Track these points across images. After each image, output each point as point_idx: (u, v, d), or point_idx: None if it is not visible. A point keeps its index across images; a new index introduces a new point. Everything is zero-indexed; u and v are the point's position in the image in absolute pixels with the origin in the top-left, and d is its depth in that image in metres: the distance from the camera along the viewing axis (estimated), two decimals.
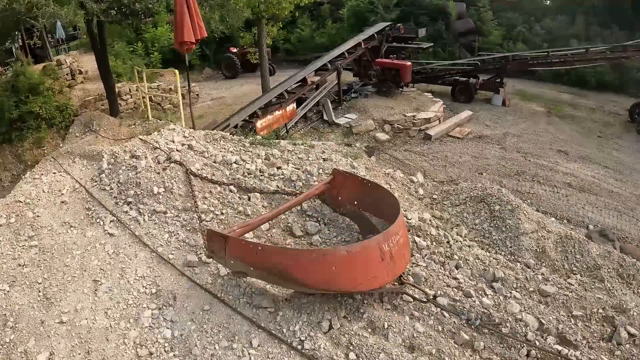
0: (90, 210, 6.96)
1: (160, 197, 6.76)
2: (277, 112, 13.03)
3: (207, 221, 6.29)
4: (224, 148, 8.51)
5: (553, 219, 8.70)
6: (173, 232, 6.24)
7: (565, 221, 9.83)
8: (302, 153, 8.36)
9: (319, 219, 6.46)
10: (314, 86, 16.14)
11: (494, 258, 6.01)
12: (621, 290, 5.74)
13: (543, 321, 4.81)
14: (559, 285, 5.56)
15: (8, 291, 5.56)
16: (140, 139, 8.51)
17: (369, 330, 4.81)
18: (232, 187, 6.96)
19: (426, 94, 18.25)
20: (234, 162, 7.62)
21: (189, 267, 5.64)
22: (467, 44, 24.34)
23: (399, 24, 20.38)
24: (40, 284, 5.67)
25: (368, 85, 18.40)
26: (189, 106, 10.92)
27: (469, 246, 6.30)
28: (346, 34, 24.06)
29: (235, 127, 11.99)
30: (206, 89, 22.05)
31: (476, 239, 6.74)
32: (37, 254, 6.15)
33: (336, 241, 6.10)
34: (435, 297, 5.15)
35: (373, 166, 8.88)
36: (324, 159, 8.09)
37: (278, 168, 7.51)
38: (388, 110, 16.37)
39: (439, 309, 4.97)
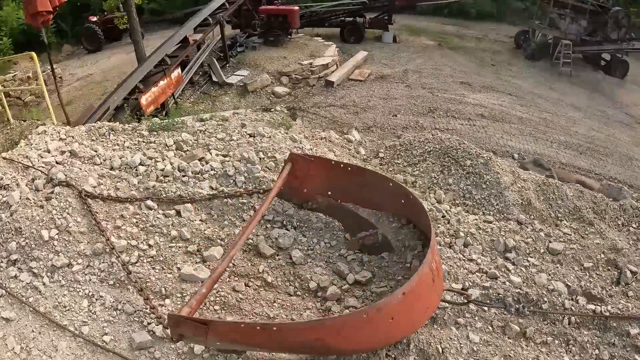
0: None
1: (56, 243, 4.83)
2: (161, 82, 11.06)
3: (134, 264, 4.59)
4: (118, 144, 6.59)
5: (517, 164, 8.28)
6: (93, 294, 4.45)
7: (491, 153, 9.68)
8: (219, 132, 6.74)
9: (285, 223, 5.07)
10: (196, 45, 14.18)
11: (488, 222, 5.54)
12: (607, 228, 5.77)
13: (569, 283, 4.67)
14: (561, 239, 5.40)
15: None
16: (3, 158, 6.26)
17: None
18: (149, 202, 5.23)
19: (316, 38, 17.55)
20: (140, 164, 5.82)
21: (141, 352, 3.97)
22: None
23: None
24: None
25: (253, 36, 17.10)
26: (57, 94, 8.64)
27: (456, 213, 5.61)
28: None
29: (117, 109, 9.90)
30: (69, 68, 18.92)
31: (457, 201, 6.01)
32: None
33: (322, 249, 4.78)
34: (465, 289, 4.43)
35: (306, 132, 7.50)
36: (251, 135, 6.55)
37: (201, 160, 5.85)
38: (282, 61, 15.42)
39: (478, 306, 4.32)
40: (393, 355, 3.79)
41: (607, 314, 4.45)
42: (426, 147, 6.80)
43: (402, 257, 4.60)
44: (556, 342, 4.27)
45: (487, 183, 6.08)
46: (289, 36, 16.86)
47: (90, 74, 16.71)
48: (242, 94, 13.84)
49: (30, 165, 5.86)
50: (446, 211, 5.51)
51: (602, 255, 5.21)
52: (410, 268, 4.40)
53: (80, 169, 5.68)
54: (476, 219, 5.53)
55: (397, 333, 3.68)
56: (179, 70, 12.22)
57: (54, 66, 13.58)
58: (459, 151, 6.53)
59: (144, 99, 10.21)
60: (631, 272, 5.00)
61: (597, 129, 12.36)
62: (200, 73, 14.80)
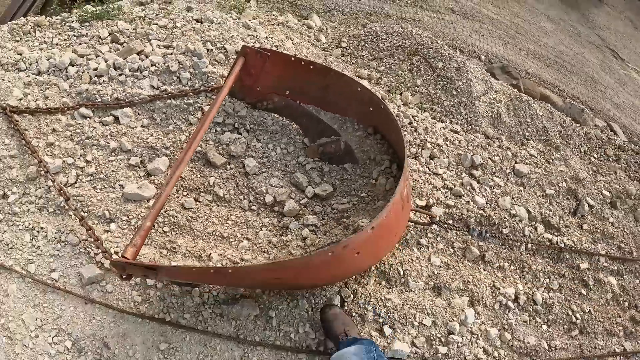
0: None
1: None
2: None
3: (72, 186, 4.34)
4: (46, 42, 5.94)
5: (484, 67, 7.80)
6: (33, 226, 4.21)
7: (458, 52, 9.25)
8: (161, 17, 6.14)
9: (236, 125, 4.74)
10: None
11: (455, 132, 5.37)
12: (571, 155, 5.66)
13: (530, 209, 4.74)
14: (527, 161, 5.31)
15: None
16: None
17: (385, 284, 3.87)
18: (83, 110, 4.81)
19: None
20: (70, 64, 5.27)
21: (92, 286, 3.85)
22: None
23: None
24: None
25: None
26: None
27: (423, 120, 5.33)
28: None
29: None
30: None
31: (424, 105, 5.67)
32: None
33: (278, 156, 4.58)
34: (429, 207, 4.32)
35: (261, 16, 6.80)
36: (198, 21, 5.96)
37: (140, 53, 5.33)
38: None
39: (441, 227, 4.24)
40: (358, 280, 3.78)
41: (562, 245, 4.62)
42: (394, 41, 6.35)
43: (367, 171, 4.41)
44: (512, 267, 4.37)
45: (458, 90, 5.75)
46: None
47: None
48: None
49: None
50: (413, 117, 5.26)
51: (564, 184, 5.16)
52: (375, 185, 4.21)
53: (3, 79, 5.15)
54: (443, 128, 5.32)
55: (363, 265, 3.64)
56: None
57: None
58: (430, 51, 6.14)
59: None
60: (589, 205, 5.04)
61: (567, 45, 11.74)
62: None
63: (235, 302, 3.70)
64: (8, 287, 3.99)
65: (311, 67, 4.49)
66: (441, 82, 5.84)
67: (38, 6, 8.46)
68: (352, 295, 3.75)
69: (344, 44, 6.62)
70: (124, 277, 3.40)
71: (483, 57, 9.13)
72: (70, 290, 3.85)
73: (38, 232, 4.18)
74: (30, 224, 4.23)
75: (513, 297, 4.13)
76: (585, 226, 4.90)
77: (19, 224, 4.26)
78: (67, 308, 3.81)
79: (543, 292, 4.33)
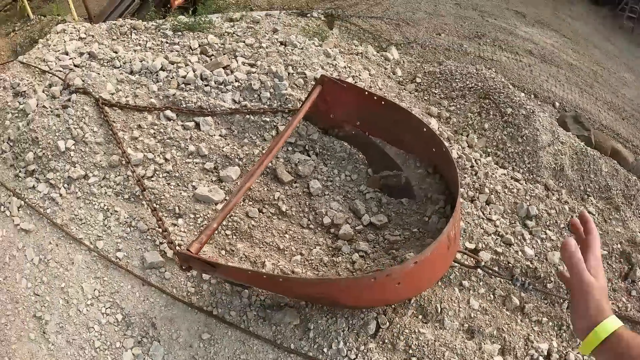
0: None
1: (72, 154, 5.01)
2: None
3: (149, 179, 4.76)
4: (140, 44, 6.55)
5: (557, 114, 7.84)
6: (107, 208, 4.68)
7: (532, 96, 9.23)
8: (248, 36, 6.55)
9: (307, 147, 5.06)
10: None
11: (516, 180, 5.44)
12: (631, 217, 5.58)
13: None
14: None
15: None
16: (20, 62, 6.26)
17: (421, 318, 4.00)
18: (168, 113, 5.28)
19: None
20: (161, 69, 5.79)
21: (152, 270, 4.25)
22: None
23: None
24: None
25: None
26: None
27: (486, 164, 5.46)
28: None
29: (143, 1, 9.56)
30: None
31: (489, 149, 5.85)
32: None
33: (341, 182, 4.81)
34: (477, 251, 4.43)
35: (342, 44, 7.18)
36: (282, 43, 6.36)
37: (226, 68, 5.74)
38: None
39: (485, 272, 4.32)
40: (393, 305, 3.95)
41: None
42: (467, 82, 6.54)
43: (422, 208, 4.58)
44: (550, 323, 4.34)
45: (524, 138, 5.86)
46: None
47: None
48: None
49: (47, 69, 5.88)
50: (475, 160, 5.39)
51: (619, 246, 5.10)
52: (428, 223, 4.38)
53: (99, 73, 5.71)
54: (504, 175, 5.42)
55: (403, 295, 3.81)
56: None
57: None
58: (501, 95, 6.28)
59: None
60: None
61: None
62: None
63: (279, 310, 3.97)
64: (75, 257, 4.47)
65: (382, 103, 4.73)
66: (508, 129, 5.96)
67: (134, 8, 9.15)
68: (388, 323, 3.91)
69: (418, 80, 6.87)
70: (184, 268, 3.77)
71: (557, 104, 9.15)
72: (131, 271, 4.26)
73: (111, 214, 4.63)
74: (105, 205, 4.70)
75: (545, 354, 4.11)
76: (634, 292, 4.81)
77: (95, 204, 4.74)
78: (125, 285, 4.23)
79: (577, 353, 4.24)
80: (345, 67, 6.15)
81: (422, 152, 4.73)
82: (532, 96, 9.14)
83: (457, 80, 6.64)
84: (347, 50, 7.02)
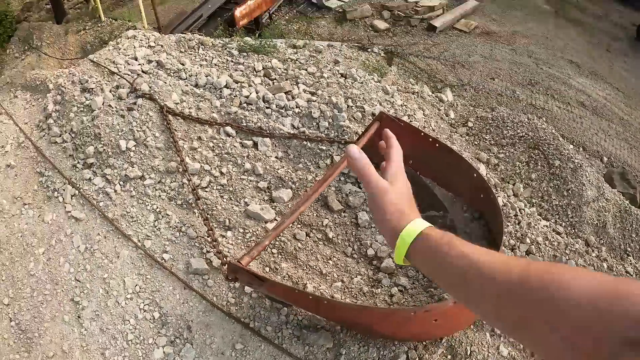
0: (43, 176, 5.48)
1: (132, 154, 5.23)
2: None
3: (203, 189, 4.89)
4: (206, 60, 6.81)
5: (604, 169, 7.84)
6: (159, 210, 4.83)
7: (581, 148, 9.26)
8: (310, 64, 6.79)
9: (358, 180, 5.09)
10: None
11: (557, 233, 5.38)
12: None
13: None
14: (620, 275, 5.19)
15: None
16: (91, 60, 6.59)
17: (450, 358, 3.92)
18: (228, 129, 5.46)
19: None
20: (225, 86, 6.01)
21: (195, 276, 4.34)
22: None
23: None
24: (7, 306, 4.49)
25: None
26: None
27: (529, 214, 5.44)
28: None
29: (210, 17, 9.98)
30: None
31: (534, 200, 5.86)
32: None
33: None
34: None
35: (399, 82, 7.35)
36: (343, 75, 6.54)
37: (288, 93, 5.92)
38: None
39: None
40: (424, 343, 3.96)
41: None
42: (518, 131, 6.60)
43: None
44: None
45: (570, 191, 5.87)
46: None
47: None
48: (339, 21, 13.57)
49: (116, 71, 6.16)
50: (520, 210, 5.40)
51: None
52: None
53: (165, 82, 5.96)
54: (546, 227, 5.42)
55: (437, 333, 3.84)
56: None
57: None
58: (551, 147, 6.31)
59: (238, 11, 10.22)
60: None
61: None
62: None
63: (315, 331, 4.00)
64: (121, 251, 4.62)
65: (437, 145, 4.83)
66: (554, 181, 5.98)
67: (200, 23, 9.55)
68: (417, 359, 3.94)
69: (470, 124, 6.97)
70: (229, 278, 3.84)
71: (605, 159, 9.09)
72: (175, 273, 4.36)
73: (162, 217, 4.78)
74: (157, 207, 4.85)
75: None
76: None
77: (148, 205, 4.91)
78: (166, 286, 4.33)
79: None
80: (401, 106, 6.29)
81: (470, 197, 4.79)
82: (581, 149, 9.15)
83: (508, 127, 6.71)
84: (404, 89, 7.18)
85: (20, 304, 4.46)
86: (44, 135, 5.93)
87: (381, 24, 13.66)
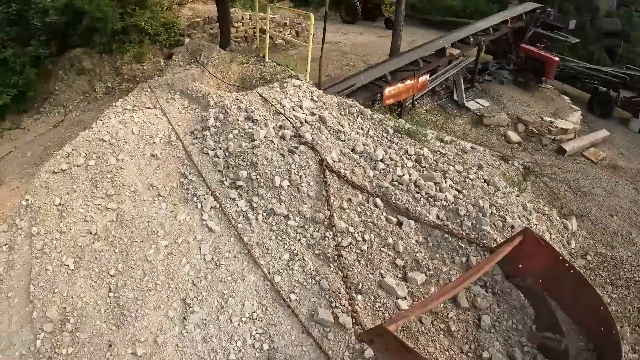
0: (185, 178, 5.83)
1: (283, 193, 5.46)
2: (408, 81, 11.46)
3: (343, 248, 5.00)
4: (362, 129, 7.12)
5: None
6: (297, 252, 4.95)
7: None
8: (457, 163, 6.98)
9: (487, 285, 5.15)
10: (450, 59, 14.50)
11: None
12: None
13: None
14: None
15: (72, 271, 4.62)
16: (259, 94, 7.13)
17: None
18: (378, 201, 5.60)
19: (563, 96, 16.59)
20: (381, 160, 6.21)
21: (317, 325, 4.36)
22: (610, 48, 21.60)
23: (549, 8, 18.12)
24: (112, 277, 4.67)
25: (504, 70, 16.71)
26: (320, 58, 9.46)
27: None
28: (480, 2, 22.10)
29: (360, 88, 10.51)
30: (320, 29, 20.22)
31: (637, 347, 5.64)
32: (113, 223, 5.15)
33: (506, 327, 4.86)
34: None
35: (533, 200, 7.39)
36: (486, 182, 6.70)
37: (437, 184, 6.10)
38: (524, 107, 14.90)
39: None
40: None
41: None
42: (635, 275, 6.46)
43: None
44: None
45: None
46: (539, 84, 16.28)
47: (339, 42, 17.83)
48: (475, 124, 13.98)
49: (282, 112, 6.60)
50: (625, 353, 5.22)
51: None
52: None
53: (327, 138, 6.26)
54: None
55: None
56: (427, 76, 12.57)
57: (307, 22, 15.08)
58: None
59: (387, 90, 10.70)
60: None
61: None
62: (444, 86, 15.16)
63: None
64: (247, 276, 4.72)
65: (572, 271, 4.85)
66: None
67: (350, 90, 10.04)
68: None
69: (589, 257, 6.84)
70: (362, 338, 3.84)
71: None
72: (297, 315, 4.39)
73: (298, 259, 4.87)
74: (294, 249, 4.97)
75: None
76: None
77: (286, 243, 5.03)
78: (285, 324, 4.35)
79: None
80: (535, 225, 6.30)
81: (589, 327, 4.72)
82: None
83: (625, 269, 6.57)
84: (536, 208, 7.21)
85: (126, 281, 4.61)
86: (196, 143, 6.31)
87: (514, 136, 13.86)
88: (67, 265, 4.68)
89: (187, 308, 4.46)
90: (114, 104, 7.39)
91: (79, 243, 4.89)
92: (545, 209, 7.50)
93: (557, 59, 15.97)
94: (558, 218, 7.58)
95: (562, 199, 11.14)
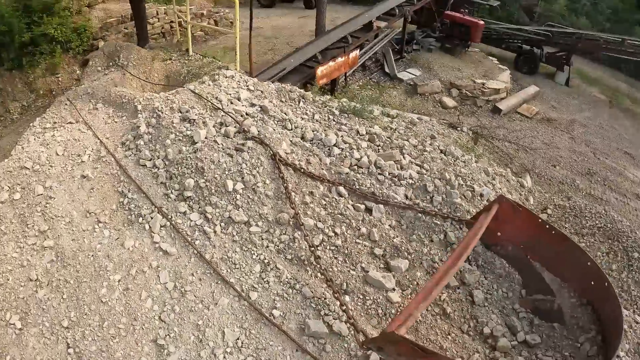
0: (125, 197, 5.19)
1: (238, 197, 4.95)
2: (339, 59, 11.24)
3: (316, 247, 4.57)
4: (307, 114, 6.71)
5: None
6: (268, 262, 4.48)
7: None
8: (410, 136, 6.72)
9: (470, 258, 4.90)
10: (377, 33, 14.47)
11: (637, 322, 5.02)
12: None
13: None
14: None
15: (20, 330, 3.97)
16: (191, 91, 6.54)
17: None
18: (341, 189, 5.22)
19: (491, 58, 17.20)
20: (334, 145, 5.82)
21: (310, 339, 3.94)
22: (528, 8, 22.83)
23: None
24: (67, 329, 4.03)
25: (431, 37, 17.05)
26: (249, 45, 9.00)
27: None
28: None
29: (292, 72, 10.15)
30: (240, 16, 19.80)
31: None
32: (54, 263, 4.50)
33: (498, 297, 4.68)
34: None
35: (495, 166, 7.28)
36: (442, 152, 6.51)
37: (397, 162, 5.78)
38: (455, 72, 15.27)
39: None
40: None
41: None
42: (597, 222, 6.51)
43: (572, 334, 4.43)
44: None
45: None
46: (466, 49, 16.81)
47: (260, 27, 17.35)
48: (410, 94, 14.03)
49: (220, 107, 6.07)
50: None
51: None
52: (579, 349, 4.26)
53: (274, 129, 5.80)
54: (626, 316, 5.16)
55: None
56: (357, 52, 12.43)
57: (226, 10, 14.91)
58: (629, 240, 6.21)
59: (319, 70, 10.43)
60: None
61: None
62: (373, 60, 15.08)
63: None
64: (220, 299, 4.21)
65: (553, 232, 4.75)
66: (633, 272, 5.85)
67: (280, 75, 9.68)
68: None
69: (549, 211, 6.82)
70: (372, 348, 3.50)
71: None
72: (286, 332, 3.96)
73: (271, 269, 4.41)
74: (264, 258, 4.49)
75: None
76: None
77: (254, 254, 4.55)
78: (275, 344, 3.90)
79: None
80: (500, 189, 6.18)
81: (580, 284, 4.66)
82: None
83: (586, 217, 6.64)
84: (494, 172, 7.13)
85: (84, 331, 4.01)
86: (129, 155, 5.68)
87: (449, 101, 14.15)
88: (13, 324, 4.01)
89: (162, 350, 3.90)
90: (31, 124, 6.61)
91: (20, 295, 4.22)
92: (501, 170, 7.42)
93: (482, 22, 16.54)
94: (514, 178, 7.53)
95: (510, 157, 11.31)
